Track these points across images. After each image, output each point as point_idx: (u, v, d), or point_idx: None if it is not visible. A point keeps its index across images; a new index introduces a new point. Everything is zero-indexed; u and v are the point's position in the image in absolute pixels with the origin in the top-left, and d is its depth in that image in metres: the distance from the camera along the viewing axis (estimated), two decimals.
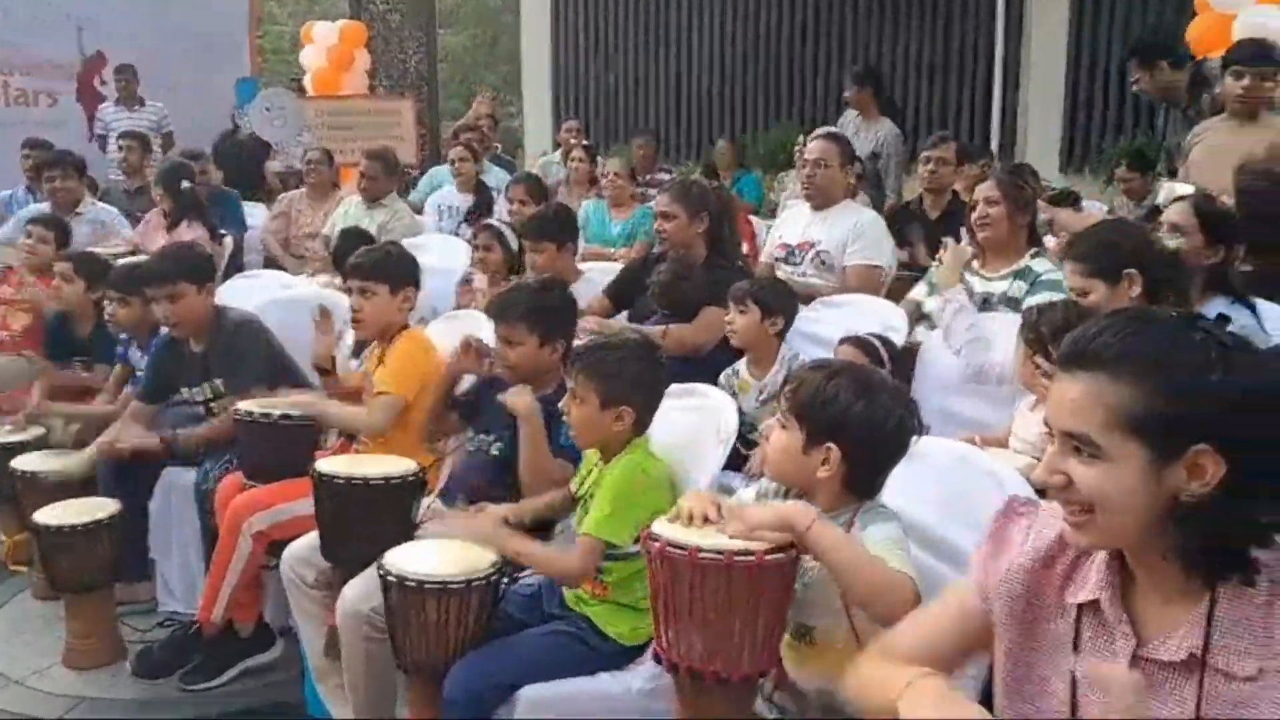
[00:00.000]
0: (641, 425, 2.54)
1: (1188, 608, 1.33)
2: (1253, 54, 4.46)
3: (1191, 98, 5.03)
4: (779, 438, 2.04)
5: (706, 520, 1.98)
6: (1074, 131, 8.75)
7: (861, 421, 1.96)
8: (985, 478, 2.12)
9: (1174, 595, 1.35)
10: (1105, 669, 1.20)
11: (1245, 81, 4.39)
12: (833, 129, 5.49)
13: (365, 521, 2.80)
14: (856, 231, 4.39)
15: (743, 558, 1.88)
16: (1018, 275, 3.66)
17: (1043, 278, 3.57)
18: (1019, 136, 9.01)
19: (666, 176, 7.59)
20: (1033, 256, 3.69)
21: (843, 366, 2.10)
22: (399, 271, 3.44)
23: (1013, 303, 3.58)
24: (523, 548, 2.52)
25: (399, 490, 2.83)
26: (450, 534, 2.60)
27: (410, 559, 2.48)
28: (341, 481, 2.83)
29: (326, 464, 2.92)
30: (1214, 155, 4.22)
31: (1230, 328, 2.82)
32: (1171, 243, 2.99)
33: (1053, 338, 2.61)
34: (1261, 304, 3.12)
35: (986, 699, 1.65)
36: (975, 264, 3.86)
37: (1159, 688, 1.36)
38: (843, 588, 1.87)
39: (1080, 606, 1.43)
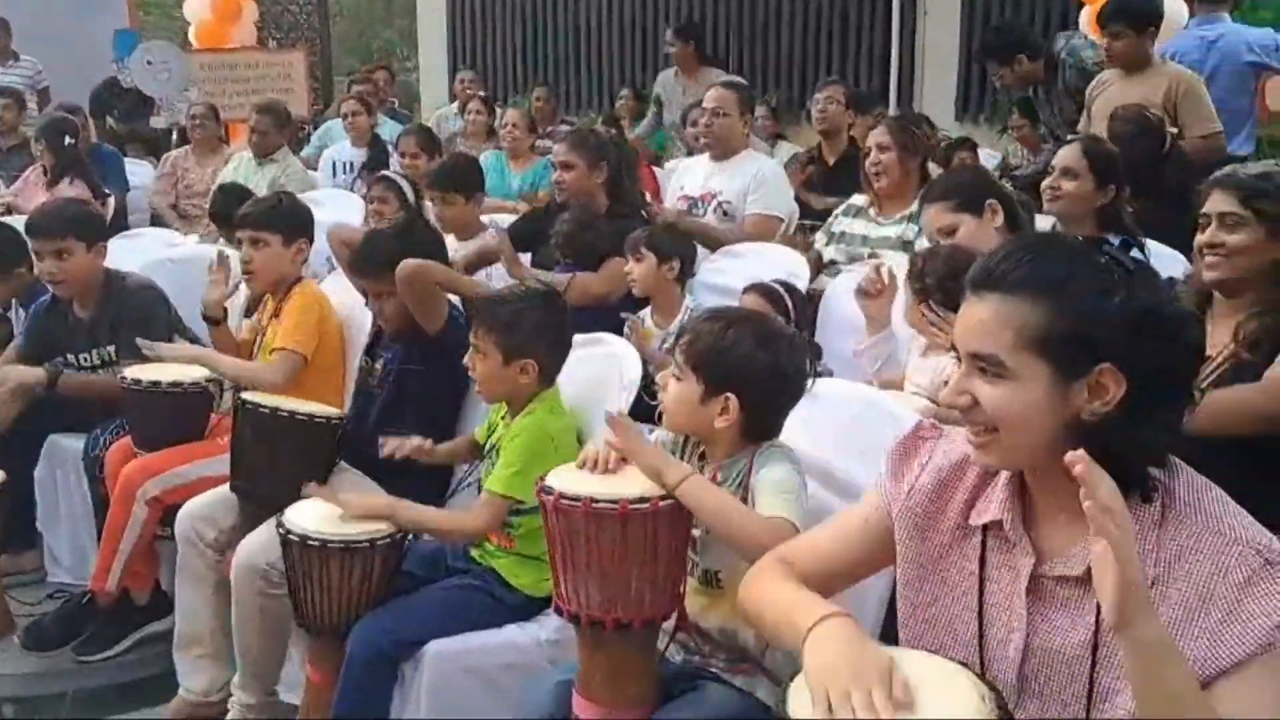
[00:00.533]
0: (548, 377, 2.50)
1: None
2: (1110, 12, 4.62)
3: (1048, 80, 5.14)
4: (675, 389, 2.03)
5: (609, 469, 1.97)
6: (969, 81, 8.86)
7: (762, 370, 1.97)
8: (886, 417, 2.14)
9: (1073, 514, 1.38)
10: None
11: (1104, 41, 4.60)
12: (733, 77, 5.48)
13: (282, 458, 2.76)
14: (757, 181, 4.41)
15: (638, 505, 1.87)
16: (910, 219, 3.73)
17: None
18: (916, 86, 9.10)
19: (567, 129, 7.50)
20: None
21: (739, 315, 2.10)
22: (291, 221, 3.35)
23: (906, 246, 3.64)
24: (420, 517, 2.47)
25: (320, 431, 2.81)
26: (343, 506, 2.48)
27: (311, 516, 2.43)
28: (266, 410, 2.79)
29: (252, 394, 2.89)
30: (1110, 106, 4.34)
31: None
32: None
33: (938, 284, 2.65)
34: (1151, 243, 3.21)
35: (890, 629, 1.68)
36: (870, 210, 3.92)
37: (1060, 602, 1.40)
38: (721, 539, 1.91)
39: (984, 528, 1.46)
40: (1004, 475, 1.45)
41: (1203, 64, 4.88)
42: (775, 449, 2.02)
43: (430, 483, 2.79)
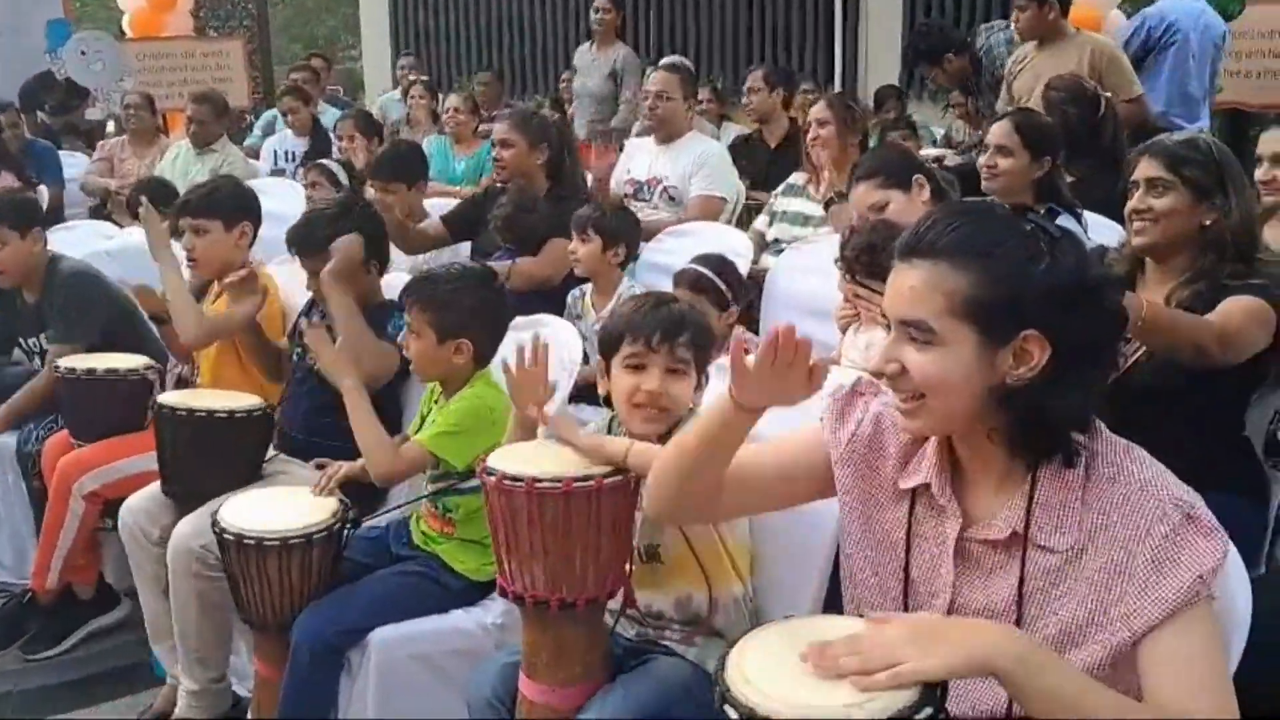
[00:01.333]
0: (483, 358, 2.49)
1: (1011, 490, 1.40)
2: None
3: (975, 74, 5.19)
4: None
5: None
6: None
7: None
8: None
9: (999, 478, 1.41)
10: None
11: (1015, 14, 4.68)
12: (676, 59, 5.47)
13: (209, 456, 2.73)
14: (700, 162, 4.44)
15: (581, 484, 1.86)
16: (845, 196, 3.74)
17: None
18: (860, 65, 9.14)
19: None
20: None
21: (659, 298, 2.13)
22: (231, 205, 3.29)
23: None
24: (363, 410, 2.49)
25: (243, 425, 2.76)
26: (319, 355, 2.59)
27: (246, 513, 2.40)
28: (184, 413, 2.75)
29: (169, 396, 2.84)
30: (1037, 79, 4.38)
31: None
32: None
33: (856, 258, 2.66)
34: (1088, 214, 3.25)
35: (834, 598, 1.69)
36: (809, 188, 3.94)
37: (985, 565, 1.42)
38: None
39: (914, 492, 1.48)
40: (933, 440, 1.47)
41: (1190, 33, 4.90)
42: None
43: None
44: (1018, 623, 1.37)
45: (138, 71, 8.23)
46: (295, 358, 3.03)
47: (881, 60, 8.84)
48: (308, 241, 2.93)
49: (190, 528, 2.59)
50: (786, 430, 1.65)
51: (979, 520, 1.43)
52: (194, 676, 2.71)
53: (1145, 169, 2.35)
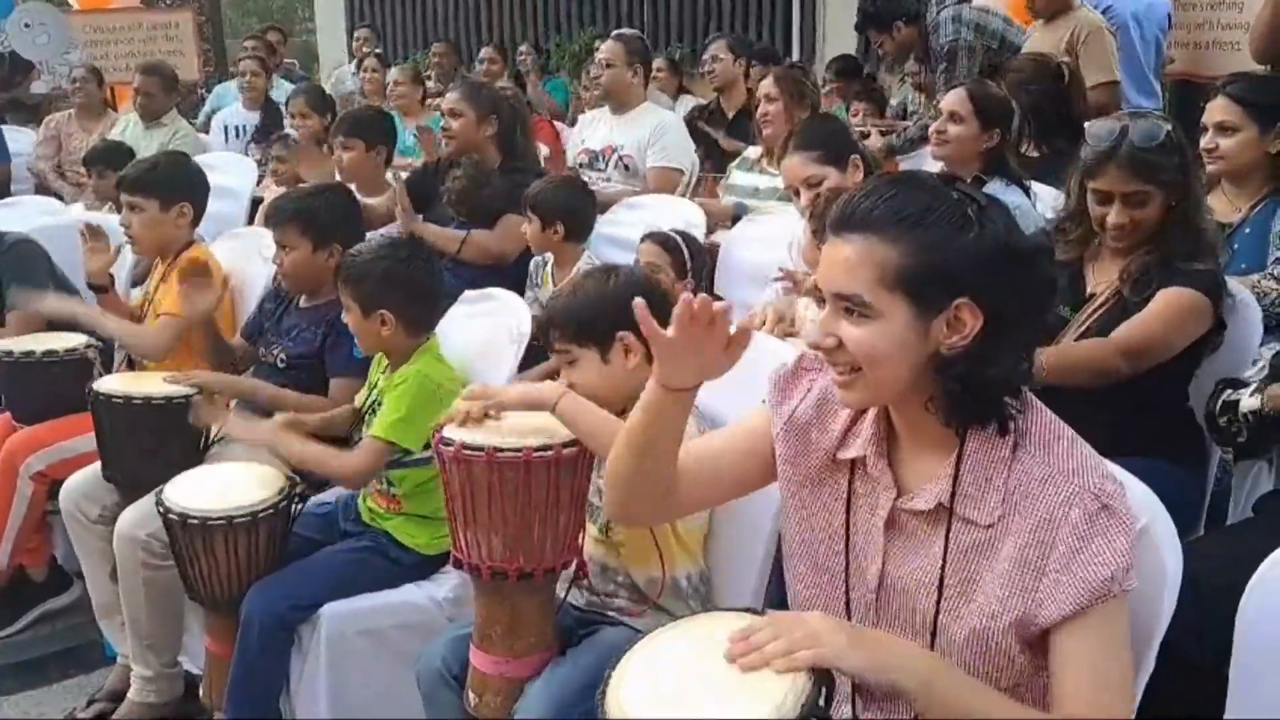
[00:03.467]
0: (414, 327, 2.48)
1: (941, 461, 1.40)
2: None
3: (924, 46, 5.07)
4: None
5: (488, 417, 1.96)
6: None
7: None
8: (766, 354, 2.15)
9: (932, 448, 1.42)
10: None
11: None
12: (625, 30, 5.43)
13: (148, 443, 2.69)
14: (656, 133, 4.42)
15: (541, 453, 1.87)
16: None
17: None
18: (817, 35, 9.14)
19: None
20: None
21: (609, 271, 2.13)
22: (170, 184, 3.24)
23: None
24: (299, 448, 2.44)
25: (182, 410, 2.72)
26: (233, 435, 2.58)
27: (191, 492, 2.38)
28: (120, 401, 2.71)
29: (104, 383, 2.80)
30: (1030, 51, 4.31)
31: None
32: None
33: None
34: (1036, 185, 3.27)
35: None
36: (762, 161, 3.95)
37: (915, 536, 1.43)
38: (600, 453, 1.86)
39: (852, 464, 1.49)
40: (871, 411, 1.47)
41: (1127, 15, 4.87)
42: None
43: None
44: (938, 595, 1.39)
45: (85, 44, 8.05)
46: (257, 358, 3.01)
47: (841, 30, 8.84)
48: (278, 214, 2.91)
49: (135, 516, 2.57)
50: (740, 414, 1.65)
51: (911, 490, 1.44)
52: (146, 663, 2.70)
53: (1116, 181, 2.32)
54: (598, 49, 5.73)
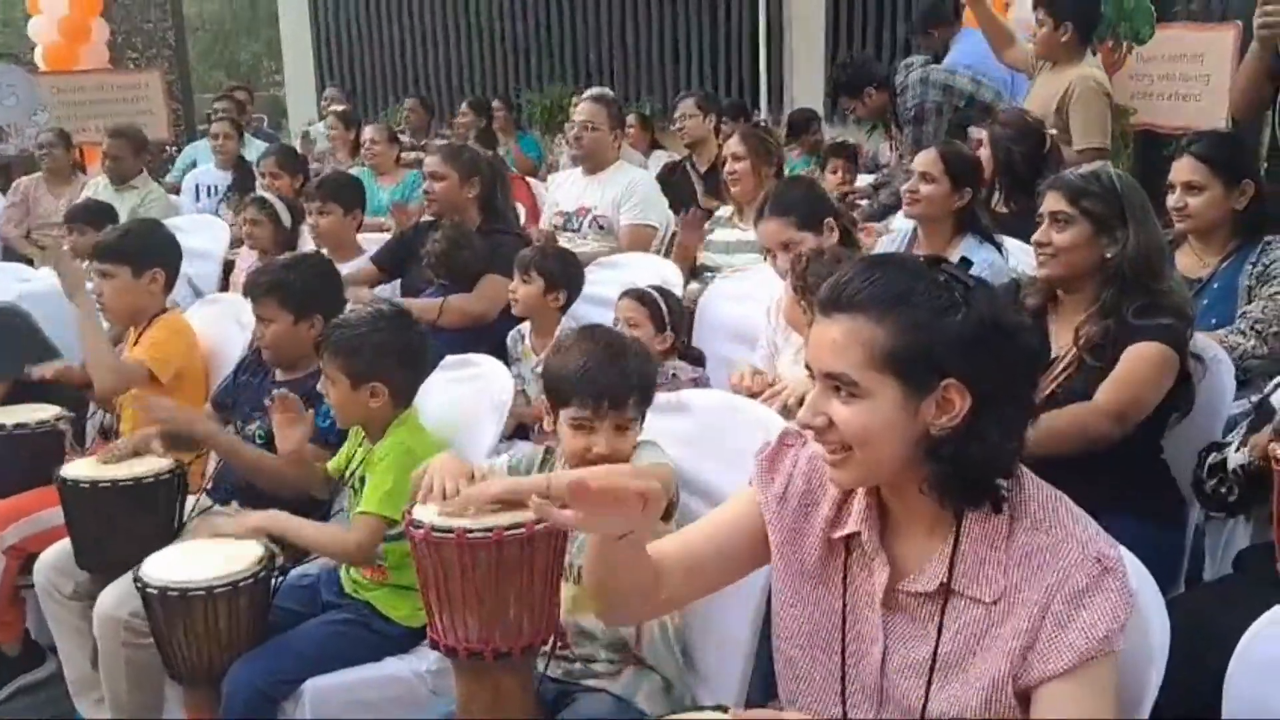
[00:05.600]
0: (401, 399, 2.47)
1: (939, 540, 1.41)
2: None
3: (893, 109, 5.09)
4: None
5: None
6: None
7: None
8: (752, 424, 2.16)
9: (928, 529, 1.43)
10: None
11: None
12: (603, 90, 5.49)
13: (120, 526, 2.64)
14: (628, 191, 4.45)
15: (512, 532, 1.84)
16: None
17: None
18: (785, 91, 9.27)
19: (441, 141, 7.39)
20: None
21: (585, 335, 2.14)
22: (141, 251, 3.23)
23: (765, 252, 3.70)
24: (299, 530, 2.42)
25: (153, 489, 2.68)
26: (222, 533, 2.48)
27: (168, 567, 2.34)
28: (87, 486, 2.66)
29: (72, 468, 2.73)
30: (1033, 100, 4.31)
31: (976, 266, 3.02)
32: None
33: (816, 286, 2.69)
34: (1008, 241, 3.32)
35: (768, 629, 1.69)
36: (734, 218, 4.02)
37: (915, 617, 1.43)
38: None
39: (846, 542, 1.49)
40: (862, 489, 1.48)
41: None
42: (649, 444, 2.09)
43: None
44: (929, 674, 1.39)
45: (52, 106, 8.04)
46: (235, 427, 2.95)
47: (808, 84, 8.98)
48: (258, 285, 2.88)
49: (115, 595, 2.53)
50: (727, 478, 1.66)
51: (909, 571, 1.44)
52: None
53: (1049, 202, 2.41)
54: (571, 105, 5.81)
